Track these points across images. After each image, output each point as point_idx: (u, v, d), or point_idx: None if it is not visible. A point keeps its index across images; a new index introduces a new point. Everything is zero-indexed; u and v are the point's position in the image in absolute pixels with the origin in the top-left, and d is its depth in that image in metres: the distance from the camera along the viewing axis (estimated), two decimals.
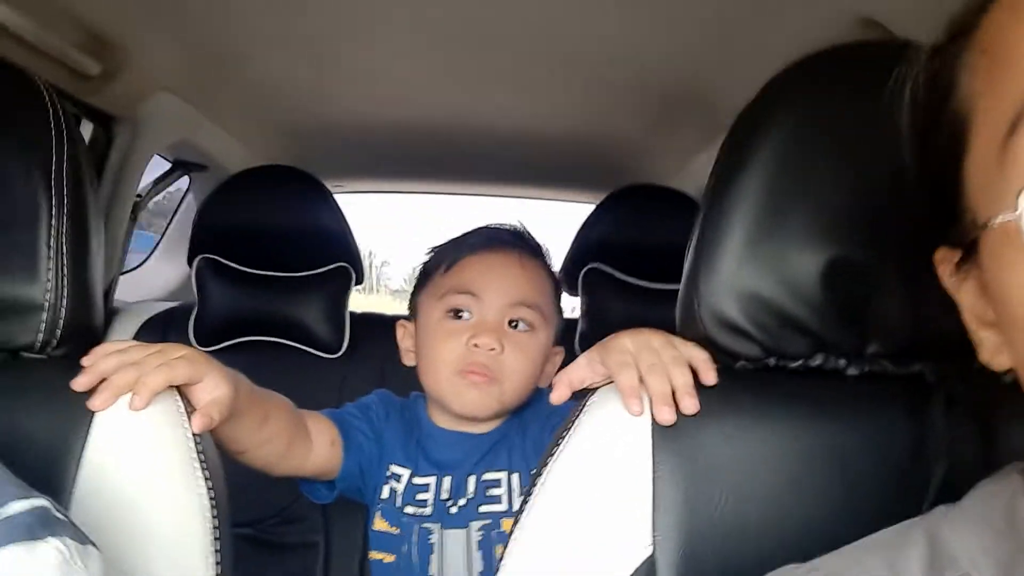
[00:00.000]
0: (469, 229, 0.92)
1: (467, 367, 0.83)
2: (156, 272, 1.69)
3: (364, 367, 1.28)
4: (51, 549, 0.37)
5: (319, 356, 1.27)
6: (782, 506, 0.44)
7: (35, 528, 0.37)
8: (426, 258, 0.93)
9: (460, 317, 0.85)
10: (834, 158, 0.48)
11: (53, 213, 0.52)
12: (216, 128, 1.41)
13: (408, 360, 0.91)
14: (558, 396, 0.53)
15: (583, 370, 0.53)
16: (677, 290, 1.30)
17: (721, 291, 0.48)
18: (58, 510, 0.39)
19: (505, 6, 1.04)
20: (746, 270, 0.48)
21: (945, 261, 0.37)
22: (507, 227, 0.92)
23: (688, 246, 0.52)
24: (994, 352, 0.35)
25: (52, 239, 0.52)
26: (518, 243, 0.90)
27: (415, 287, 0.94)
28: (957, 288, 0.37)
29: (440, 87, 1.33)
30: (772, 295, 0.47)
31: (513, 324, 0.85)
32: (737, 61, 1.16)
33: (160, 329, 1.29)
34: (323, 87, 1.36)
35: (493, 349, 0.83)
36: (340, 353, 1.28)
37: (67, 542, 0.37)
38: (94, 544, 0.39)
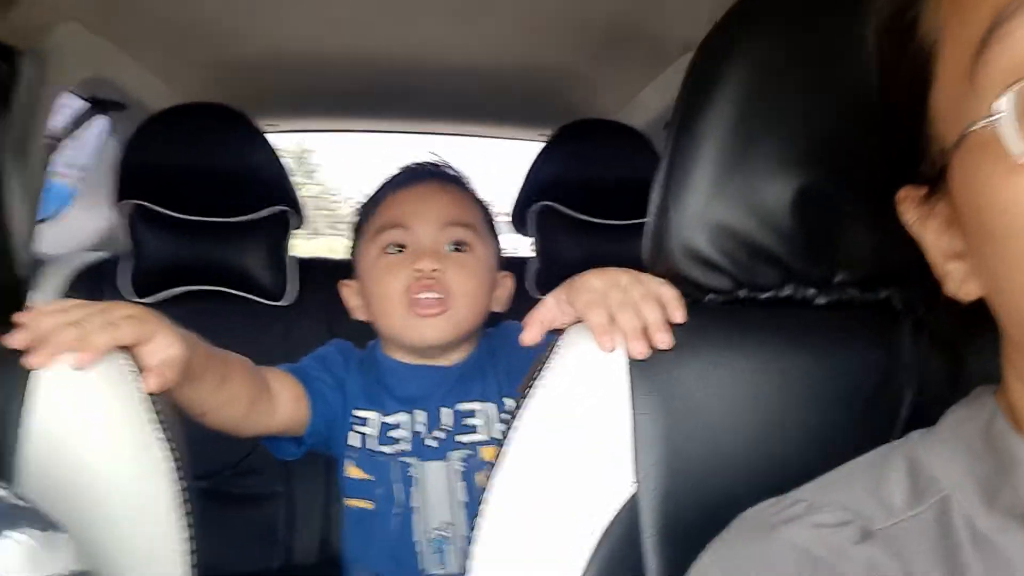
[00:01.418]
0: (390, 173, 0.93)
1: (414, 291, 0.83)
2: (79, 219, 1.59)
3: (311, 315, 1.24)
4: (12, 545, 0.33)
5: (264, 305, 1.23)
6: (757, 439, 0.45)
7: None
8: (356, 214, 0.93)
9: (397, 252, 0.85)
10: (802, 87, 0.47)
11: None
12: (134, 63, 1.31)
13: (360, 315, 0.90)
14: (530, 336, 0.52)
15: (552, 310, 0.52)
16: (629, 226, 1.31)
17: (691, 224, 0.47)
18: (16, 496, 0.36)
19: None
20: (716, 202, 0.47)
21: (908, 200, 0.38)
22: (425, 162, 0.93)
23: (654, 180, 0.51)
24: (961, 282, 0.36)
25: None
26: (438, 174, 0.91)
27: (352, 244, 0.93)
28: (921, 226, 0.38)
29: (376, 19, 1.26)
30: (742, 226, 0.47)
31: (451, 248, 0.86)
32: None
33: (93, 282, 1.22)
34: (251, 20, 1.27)
35: (436, 269, 0.83)
36: (286, 302, 1.24)
37: (32, 532, 0.34)
38: (60, 526, 0.36)
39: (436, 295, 0.83)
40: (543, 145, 1.35)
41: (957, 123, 0.32)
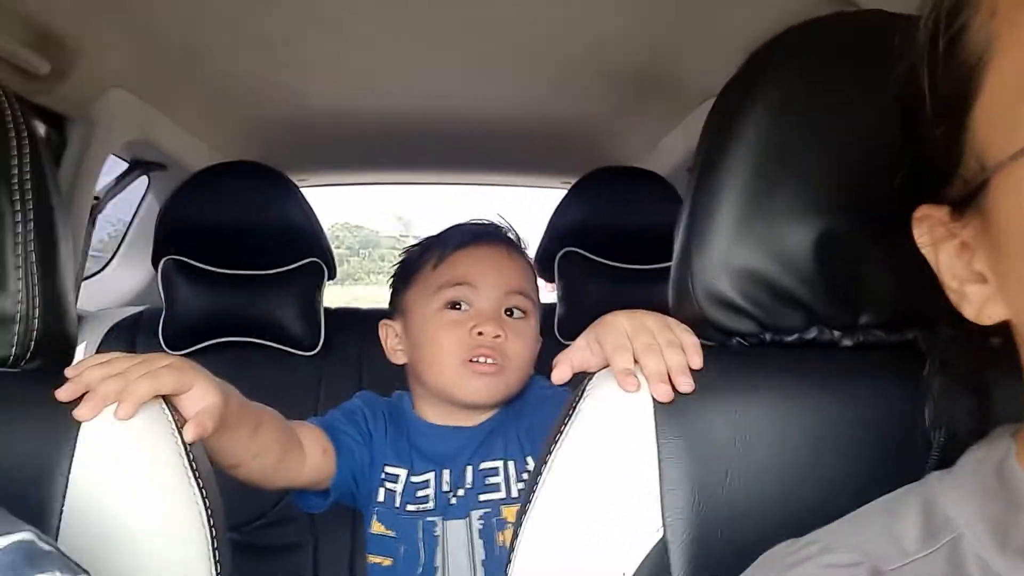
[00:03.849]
0: (447, 226, 0.94)
1: (474, 354, 0.84)
2: (117, 277, 1.64)
3: (341, 364, 1.27)
4: None
5: (295, 355, 1.25)
6: (785, 481, 0.45)
7: (20, 566, 0.35)
8: (406, 255, 0.94)
9: (457, 309, 0.86)
10: (819, 132, 0.48)
11: (18, 220, 0.50)
12: (174, 125, 1.37)
13: (397, 359, 0.92)
14: (560, 375, 0.52)
15: (583, 351, 0.52)
16: (652, 270, 1.32)
17: (715, 269, 0.48)
18: (44, 540, 0.37)
19: None
20: (739, 247, 0.48)
21: (926, 220, 0.38)
22: (488, 221, 0.95)
23: (677, 226, 0.52)
24: (981, 306, 0.35)
25: (19, 247, 0.50)
26: (502, 236, 0.93)
27: (397, 285, 0.94)
28: (935, 247, 0.37)
29: (405, 77, 1.31)
30: (765, 270, 0.47)
31: (508, 313, 0.87)
32: (702, 40, 1.16)
33: (127, 335, 1.25)
34: (284, 80, 1.33)
35: (498, 336, 0.84)
36: (316, 351, 1.26)
37: None
38: (87, 572, 0.37)
39: (494, 360, 0.84)
40: (566, 191, 1.38)
41: (1010, 136, 0.31)
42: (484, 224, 0.94)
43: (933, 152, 0.36)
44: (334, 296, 1.49)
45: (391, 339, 0.92)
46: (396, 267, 0.96)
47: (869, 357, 0.48)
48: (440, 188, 2.01)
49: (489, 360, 0.84)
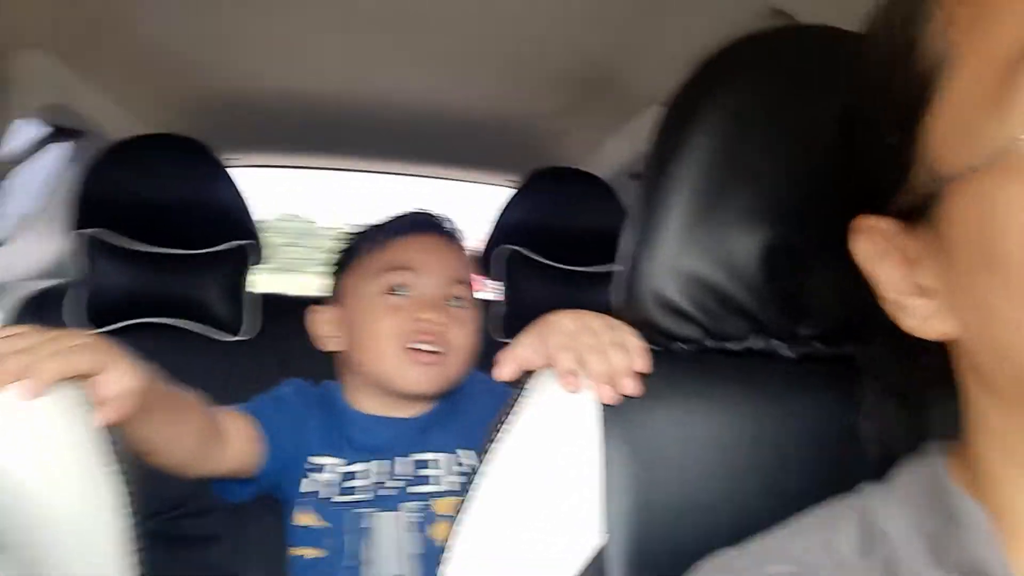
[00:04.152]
0: (390, 215, 0.93)
1: (415, 340, 0.82)
2: (28, 248, 1.54)
3: (266, 352, 1.22)
4: None
5: (218, 341, 1.20)
6: (725, 488, 0.45)
7: None
8: (347, 242, 0.92)
9: (398, 295, 0.84)
10: (767, 142, 0.49)
11: None
12: (97, 92, 1.29)
13: (331, 345, 0.88)
14: (503, 372, 0.50)
15: (526, 349, 0.51)
16: (593, 273, 1.33)
17: (662, 272, 0.48)
18: None
19: None
20: (686, 252, 0.47)
21: (866, 231, 0.37)
22: (429, 213, 0.93)
23: (625, 227, 0.52)
24: (925, 319, 0.35)
25: None
26: (443, 226, 0.92)
27: (336, 271, 0.92)
28: (874, 259, 0.37)
29: (346, 62, 1.28)
30: (712, 277, 0.47)
31: (450, 302, 0.86)
32: (648, 47, 1.17)
33: (39, 311, 1.17)
34: (219, 53, 1.27)
35: (442, 324, 0.82)
36: (244, 336, 1.21)
37: None
38: None
39: (436, 348, 0.83)
40: (509, 189, 1.37)
41: (969, 147, 0.31)
42: (426, 213, 0.93)
43: (881, 162, 0.36)
44: (274, 284, 1.44)
45: (323, 326, 0.89)
46: (336, 253, 0.93)
47: (809, 368, 0.48)
48: (383, 183, 1.97)
49: (431, 348, 0.82)
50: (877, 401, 0.45)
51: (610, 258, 1.22)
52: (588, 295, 1.26)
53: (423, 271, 0.85)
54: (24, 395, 0.46)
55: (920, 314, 0.35)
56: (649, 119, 1.33)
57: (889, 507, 0.37)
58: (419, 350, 0.82)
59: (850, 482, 0.42)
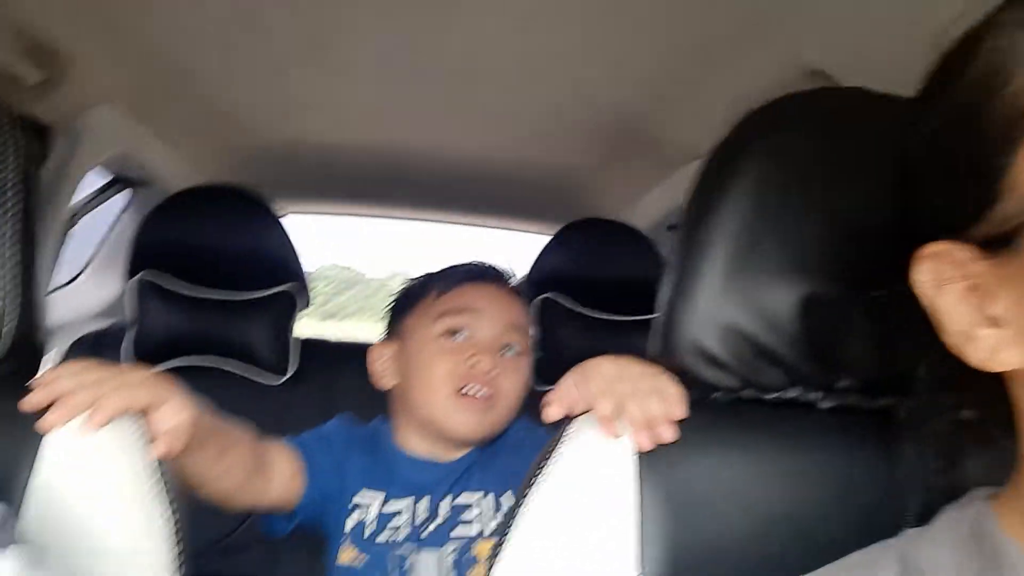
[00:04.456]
0: (452, 263, 0.96)
1: (466, 383, 0.84)
2: (86, 290, 1.61)
3: (309, 394, 1.24)
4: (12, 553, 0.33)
5: (262, 384, 1.23)
6: (760, 537, 0.45)
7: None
8: (409, 284, 0.95)
9: (455, 339, 0.87)
10: (806, 197, 0.50)
11: (2, 221, 0.49)
12: (160, 143, 1.36)
13: (385, 383, 0.91)
14: (552, 414, 0.52)
15: (571, 391, 0.52)
16: (628, 321, 1.33)
17: (700, 322, 0.49)
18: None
19: (466, 42, 1.05)
20: (724, 302, 0.48)
21: (933, 258, 0.37)
22: (491, 264, 0.97)
23: (664, 277, 0.53)
24: (995, 350, 0.35)
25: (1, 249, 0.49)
26: (505, 278, 0.95)
27: (396, 311, 0.95)
28: (938, 288, 0.37)
29: (394, 114, 1.33)
30: (748, 327, 0.48)
31: (504, 350, 0.88)
32: (687, 103, 1.20)
33: (91, 349, 1.22)
34: (272, 108, 1.34)
35: (493, 369, 0.84)
36: (284, 380, 1.24)
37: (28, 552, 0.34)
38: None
39: (486, 393, 0.84)
40: (542, 237, 1.39)
41: None
42: (489, 264, 0.96)
43: (963, 190, 0.36)
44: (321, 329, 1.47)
45: (381, 364, 0.92)
46: (396, 295, 0.96)
47: (846, 419, 0.48)
48: (427, 232, 2.01)
49: (482, 392, 0.83)
50: (915, 453, 0.45)
51: (645, 308, 1.23)
52: (622, 343, 1.26)
53: (482, 316, 0.87)
54: (89, 428, 0.48)
55: (989, 345, 0.35)
56: (687, 173, 1.35)
57: (931, 549, 0.37)
58: (469, 394, 0.84)
59: (885, 534, 0.42)
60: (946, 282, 0.36)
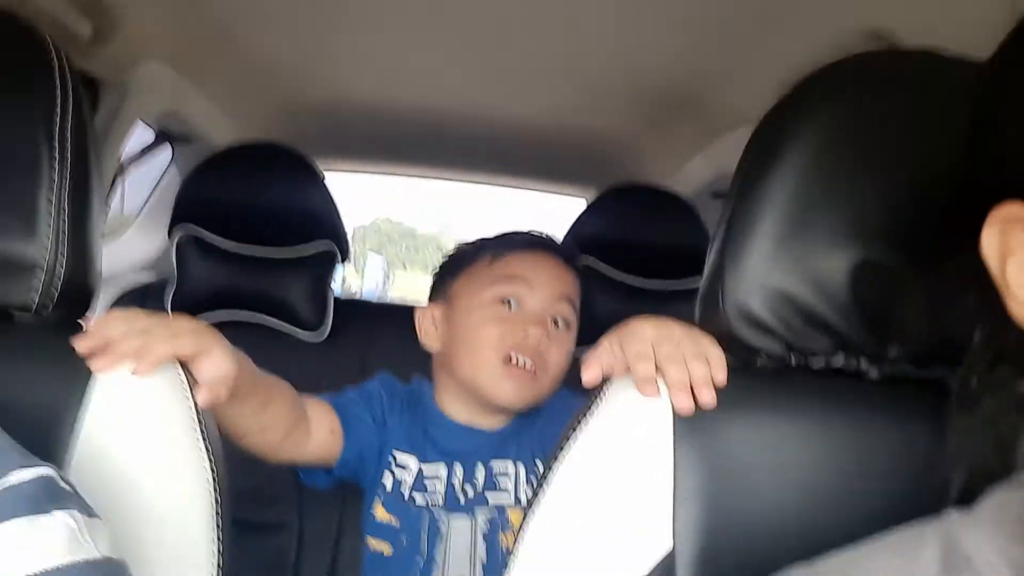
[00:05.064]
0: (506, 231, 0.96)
1: (514, 352, 0.84)
2: (133, 245, 1.65)
3: (345, 354, 1.26)
4: (59, 524, 0.35)
5: (299, 341, 1.25)
6: (799, 505, 0.44)
7: (41, 500, 0.35)
8: (463, 248, 0.95)
9: (508, 306, 0.86)
10: (862, 163, 0.48)
11: (56, 168, 0.50)
12: (205, 100, 1.38)
13: (431, 345, 0.91)
14: (590, 378, 0.51)
15: (609, 354, 0.52)
16: (667, 290, 1.32)
17: (748, 286, 0.48)
18: (64, 480, 0.37)
19: (509, 2, 1.03)
20: (773, 267, 0.47)
21: (1003, 221, 0.35)
22: (545, 234, 0.96)
23: (712, 240, 0.52)
24: None
25: (53, 195, 0.50)
26: (560, 248, 0.94)
27: (445, 274, 0.94)
28: (1005, 252, 0.35)
29: (438, 75, 1.32)
30: (798, 293, 0.47)
31: (554, 322, 0.88)
32: (735, 66, 1.16)
33: (137, 301, 1.26)
34: (318, 66, 1.34)
35: (543, 341, 0.85)
36: (321, 339, 1.25)
37: (75, 515, 0.35)
38: (98, 517, 0.37)
39: (532, 364, 0.84)
40: (587, 203, 1.38)
41: None
42: (545, 235, 0.96)
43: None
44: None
45: (428, 325, 0.92)
46: (447, 257, 0.96)
47: (895, 389, 0.47)
48: (476, 192, 2.01)
49: (528, 363, 0.83)
50: (966, 427, 0.44)
51: (685, 274, 1.21)
52: (660, 311, 1.25)
53: (535, 286, 0.87)
54: (136, 372, 0.50)
55: None
56: (733, 140, 1.32)
57: (975, 533, 0.36)
58: (516, 363, 0.84)
59: (929, 508, 0.41)
60: (1017, 247, 0.35)
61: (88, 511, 0.37)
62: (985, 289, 0.37)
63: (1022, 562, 0.33)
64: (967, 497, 0.40)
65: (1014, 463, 0.40)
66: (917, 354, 0.47)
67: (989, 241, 0.36)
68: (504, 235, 0.94)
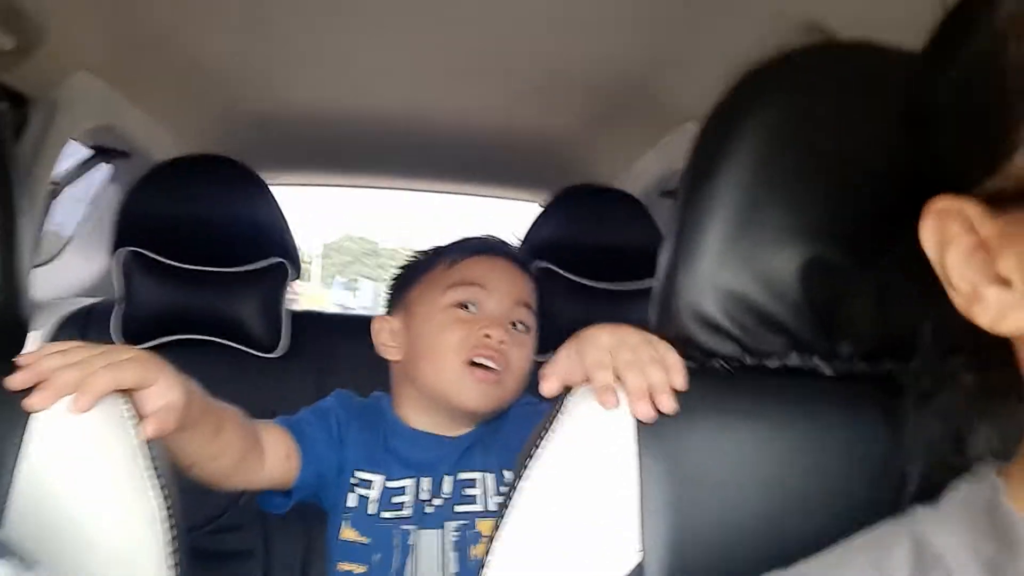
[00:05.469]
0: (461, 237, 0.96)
1: (477, 354, 0.83)
2: (70, 266, 1.58)
3: (302, 368, 1.23)
4: None
5: (254, 356, 1.22)
6: (764, 508, 0.44)
7: None
8: (419, 257, 0.94)
9: (465, 309, 0.86)
10: (808, 159, 0.49)
11: None
12: (141, 113, 1.33)
13: (389, 355, 0.90)
14: (548, 389, 0.51)
15: (566, 363, 0.51)
16: (623, 291, 1.32)
17: (700, 288, 0.48)
18: None
19: (455, 4, 1.03)
20: (724, 267, 0.47)
21: (939, 214, 0.36)
22: (500, 239, 0.96)
23: (664, 243, 0.52)
24: (1003, 312, 0.33)
25: None
26: (515, 253, 0.95)
27: (402, 284, 0.93)
28: (943, 244, 0.36)
29: (382, 79, 1.30)
30: (750, 293, 0.47)
31: (513, 325, 0.87)
32: (678, 63, 1.18)
33: (79, 327, 1.20)
34: (258, 73, 1.31)
35: (503, 342, 0.84)
36: (276, 353, 1.22)
37: (10, 562, 0.33)
38: (39, 568, 0.35)
39: (496, 366, 0.84)
40: (541, 208, 1.38)
41: None
42: (498, 238, 0.96)
43: (977, 141, 0.34)
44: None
45: (386, 336, 0.90)
46: (402, 267, 0.95)
47: (848, 386, 0.48)
48: (418, 200, 2.00)
49: (491, 365, 0.83)
50: (919, 419, 0.44)
51: (640, 275, 1.22)
52: (617, 312, 1.26)
53: (492, 290, 0.87)
54: (76, 408, 0.47)
55: (996, 306, 0.34)
56: (680, 136, 1.33)
57: (943, 530, 0.36)
58: (480, 365, 0.83)
59: (891, 502, 0.41)
60: (951, 238, 0.35)
61: (26, 564, 0.35)
62: (928, 283, 0.37)
63: (993, 561, 0.33)
64: (927, 490, 0.41)
65: (966, 453, 0.41)
66: (868, 350, 0.48)
67: (927, 234, 0.36)
68: (459, 241, 0.94)
